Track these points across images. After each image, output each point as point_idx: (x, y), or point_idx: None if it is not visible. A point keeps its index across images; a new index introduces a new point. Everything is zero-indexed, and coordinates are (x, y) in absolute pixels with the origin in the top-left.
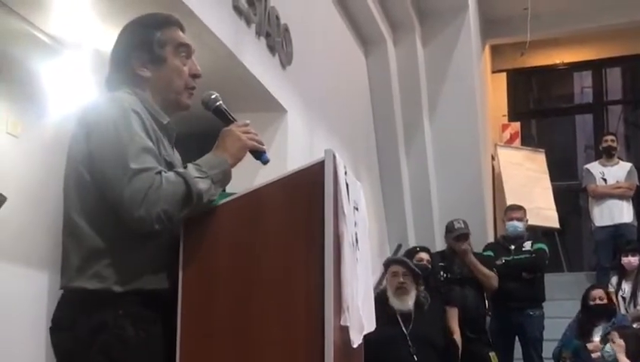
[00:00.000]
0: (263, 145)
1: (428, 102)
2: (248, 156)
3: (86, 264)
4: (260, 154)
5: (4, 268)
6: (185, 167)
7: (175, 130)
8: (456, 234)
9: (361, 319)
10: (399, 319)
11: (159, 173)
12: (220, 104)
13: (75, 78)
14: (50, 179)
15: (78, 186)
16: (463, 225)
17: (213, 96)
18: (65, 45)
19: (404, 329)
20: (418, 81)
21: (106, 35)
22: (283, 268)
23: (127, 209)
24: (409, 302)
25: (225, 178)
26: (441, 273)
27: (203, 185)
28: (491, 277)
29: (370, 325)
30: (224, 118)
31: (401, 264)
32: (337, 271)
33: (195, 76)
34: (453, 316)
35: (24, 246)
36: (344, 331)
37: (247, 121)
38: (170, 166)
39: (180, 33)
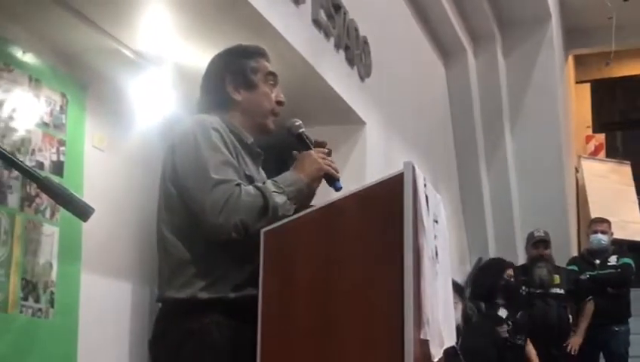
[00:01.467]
0: (338, 172)
1: (509, 113)
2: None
3: (174, 275)
4: (333, 181)
5: (90, 278)
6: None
7: (261, 153)
8: (534, 241)
9: (441, 333)
10: None
11: (238, 185)
12: (303, 131)
13: (158, 92)
14: (134, 191)
15: (166, 200)
16: (543, 234)
17: (297, 123)
18: (149, 61)
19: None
20: (499, 93)
21: (186, 51)
22: (362, 281)
23: (207, 217)
24: (457, 316)
25: (299, 195)
26: (523, 287)
27: (279, 199)
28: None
29: (450, 339)
30: (305, 144)
31: None
32: (417, 285)
33: (279, 103)
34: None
35: (109, 257)
36: (424, 345)
37: (325, 142)
38: (250, 180)
39: (268, 64)
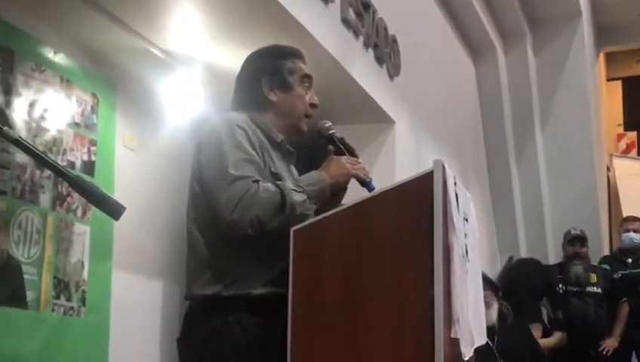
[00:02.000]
0: (368, 176)
1: (540, 111)
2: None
3: (200, 272)
4: (365, 183)
5: (121, 277)
6: None
7: (294, 152)
8: (570, 238)
9: (471, 331)
10: None
11: (256, 181)
12: (334, 133)
13: (187, 92)
14: (164, 190)
15: (193, 198)
16: (579, 231)
17: (327, 125)
18: (178, 61)
19: (489, 342)
20: (529, 90)
21: (215, 51)
22: (391, 279)
23: (223, 212)
24: (492, 315)
25: (322, 195)
26: (560, 285)
27: (297, 197)
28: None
29: (480, 338)
30: (336, 146)
31: None
32: (447, 283)
33: (312, 106)
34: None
35: (140, 256)
36: (454, 344)
37: (354, 148)
38: (276, 177)
39: (304, 65)
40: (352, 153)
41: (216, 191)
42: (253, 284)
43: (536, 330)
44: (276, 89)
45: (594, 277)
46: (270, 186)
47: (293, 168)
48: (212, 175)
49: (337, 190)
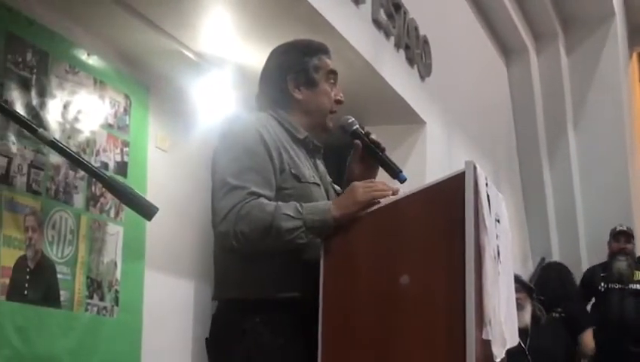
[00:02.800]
0: (388, 191)
1: (572, 111)
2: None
3: (227, 275)
4: (396, 174)
5: (153, 277)
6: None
7: (320, 147)
8: (615, 233)
9: (503, 333)
10: None
11: (253, 194)
12: (357, 128)
13: (219, 93)
14: (196, 191)
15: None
16: (625, 228)
17: (350, 121)
18: (210, 62)
19: (522, 344)
20: (562, 91)
21: (246, 52)
22: (423, 280)
23: (214, 222)
24: (525, 317)
25: (322, 226)
26: (602, 284)
27: (287, 223)
28: None
29: (512, 339)
30: (363, 141)
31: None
32: (479, 285)
33: (338, 102)
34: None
35: (172, 256)
36: (486, 345)
37: (380, 142)
38: (297, 179)
39: (330, 61)
40: (377, 147)
41: (213, 200)
42: (283, 286)
43: (588, 336)
44: (302, 86)
45: (638, 274)
46: (266, 205)
47: (320, 164)
48: (214, 182)
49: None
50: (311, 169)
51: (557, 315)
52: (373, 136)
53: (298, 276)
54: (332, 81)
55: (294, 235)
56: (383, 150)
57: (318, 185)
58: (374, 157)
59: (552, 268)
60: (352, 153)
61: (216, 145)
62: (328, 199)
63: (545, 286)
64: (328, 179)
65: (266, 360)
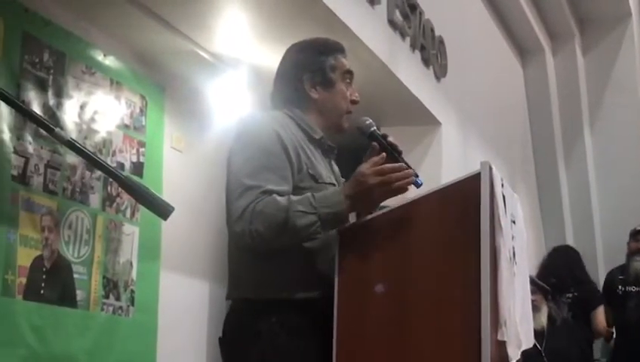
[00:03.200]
0: (407, 179)
1: (589, 112)
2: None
3: (241, 275)
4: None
5: (169, 277)
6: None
7: (334, 147)
8: (634, 232)
9: (518, 334)
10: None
11: (267, 192)
12: (375, 130)
13: (234, 93)
14: (212, 191)
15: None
16: None
17: (367, 122)
18: (225, 63)
19: (537, 345)
20: (578, 91)
21: (261, 53)
22: (438, 281)
23: (229, 222)
24: (541, 319)
25: (336, 219)
26: (619, 287)
27: (302, 220)
28: None
29: (528, 341)
30: (380, 143)
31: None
32: (494, 286)
33: (353, 102)
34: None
35: (188, 256)
36: (501, 346)
37: (397, 145)
38: (314, 179)
39: (346, 61)
40: (395, 150)
41: (228, 200)
42: (299, 287)
43: (600, 314)
44: (318, 86)
45: None
46: (279, 201)
47: (334, 165)
48: (229, 182)
49: (368, 204)
50: (327, 169)
51: (570, 296)
52: (390, 139)
53: (314, 276)
54: (348, 81)
55: (310, 231)
56: (399, 153)
57: (334, 185)
58: (391, 160)
59: (560, 252)
60: (368, 154)
61: (231, 145)
62: None
63: (555, 269)
64: (342, 180)
65: (282, 361)
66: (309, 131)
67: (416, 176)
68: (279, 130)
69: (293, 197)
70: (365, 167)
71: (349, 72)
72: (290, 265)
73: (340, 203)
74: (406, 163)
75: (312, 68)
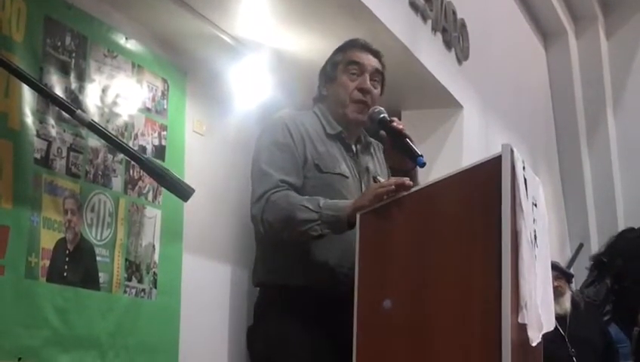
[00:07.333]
0: (389, 186)
1: (612, 95)
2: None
3: (267, 260)
4: (414, 158)
5: (191, 260)
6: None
7: (369, 143)
8: None
9: (539, 317)
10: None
11: (284, 182)
12: (384, 116)
13: (256, 78)
14: (233, 175)
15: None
16: None
17: (376, 110)
18: (247, 46)
19: (561, 330)
20: (601, 74)
21: (283, 37)
22: (459, 264)
23: (251, 203)
24: (566, 304)
25: (336, 222)
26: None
27: (303, 214)
28: None
29: (549, 324)
30: (387, 129)
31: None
32: (515, 269)
33: (362, 90)
34: None
35: (210, 240)
36: (522, 329)
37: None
38: (318, 169)
39: (358, 53)
40: (400, 134)
41: (252, 184)
42: (314, 276)
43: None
44: (327, 83)
45: None
46: (292, 197)
47: (369, 159)
48: (253, 169)
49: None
50: (346, 162)
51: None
52: (394, 124)
53: (329, 266)
54: (353, 71)
55: (308, 226)
56: (404, 136)
57: (346, 177)
58: (397, 144)
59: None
60: (384, 146)
61: (257, 136)
62: None
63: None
64: (386, 171)
65: (302, 347)
66: (326, 126)
67: (418, 155)
68: (289, 125)
69: (307, 197)
70: (374, 186)
71: (354, 62)
72: (305, 256)
73: (344, 209)
74: (409, 145)
75: (325, 67)
